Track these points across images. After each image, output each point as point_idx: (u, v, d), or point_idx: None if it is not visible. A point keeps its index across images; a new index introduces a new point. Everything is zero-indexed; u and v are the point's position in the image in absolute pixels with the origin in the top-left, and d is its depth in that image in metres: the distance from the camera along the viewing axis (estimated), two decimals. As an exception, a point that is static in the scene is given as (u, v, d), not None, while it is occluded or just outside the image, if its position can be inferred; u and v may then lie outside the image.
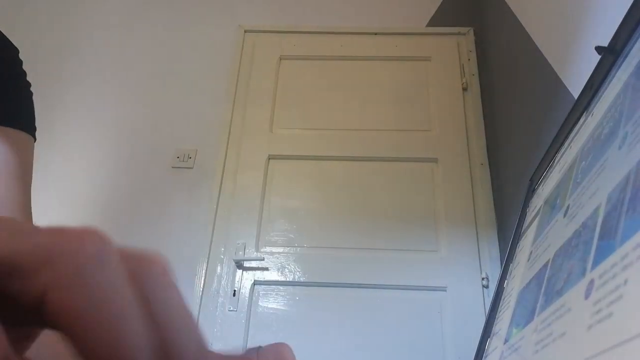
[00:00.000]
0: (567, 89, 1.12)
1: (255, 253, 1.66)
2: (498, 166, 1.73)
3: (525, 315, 0.46)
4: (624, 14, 0.40)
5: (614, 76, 0.41)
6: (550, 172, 0.59)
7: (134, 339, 0.12)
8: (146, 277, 0.14)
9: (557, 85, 1.19)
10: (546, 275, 0.44)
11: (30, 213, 0.53)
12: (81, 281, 0.12)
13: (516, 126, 1.56)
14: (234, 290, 1.60)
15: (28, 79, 0.57)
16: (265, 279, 1.62)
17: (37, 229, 0.13)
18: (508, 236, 1.23)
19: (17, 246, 0.12)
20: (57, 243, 0.13)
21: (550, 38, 1.29)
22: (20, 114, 0.53)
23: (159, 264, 0.14)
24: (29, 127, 0.54)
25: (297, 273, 1.63)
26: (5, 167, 0.48)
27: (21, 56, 0.57)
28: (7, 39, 0.55)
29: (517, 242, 0.65)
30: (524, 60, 1.50)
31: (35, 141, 0.56)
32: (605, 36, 0.43)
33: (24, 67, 0.57)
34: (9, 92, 0.52)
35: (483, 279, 1.57)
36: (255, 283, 1.62)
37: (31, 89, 0.58)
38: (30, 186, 0.54)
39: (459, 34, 2.03)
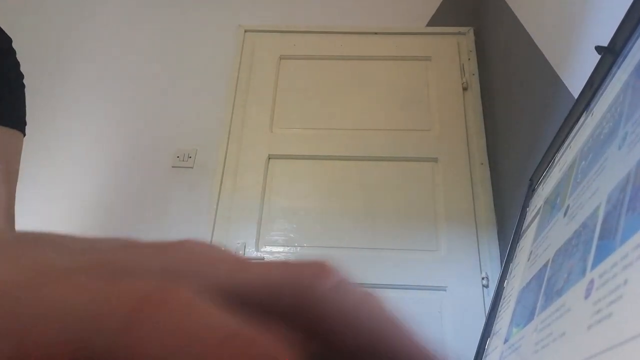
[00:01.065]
0: (567, 89, 1.12)
1: (255, 253, 1.66)
2: (498, 166, 1.73)
3: (525, 315, 0.46)
4: (624, 14, 0.40)
5: (614, 76, 0.41)
6: (551, 172, 0.59)
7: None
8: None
9: (557, 85, 1.19)
10: (546, 275, 0.44)
11: (13, 215, 0.53)
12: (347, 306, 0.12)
13: (516, 126, 1.56)
14: (234, 290, 1.60)
15: (25, 74, 0.57)
16: (265, 279, 1.62)
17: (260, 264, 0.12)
18: (508, 236, 1.23)
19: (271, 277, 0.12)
20: (300, 276, 0.12)
21: (550, 38, 1.29)
22: (4, 109, 0.52)
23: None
24: (15, 122, 0.53)
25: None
26: None
27: (21, 56, 0.57)
28: (0, 28, 0.55)
29: (517, 242, 0.65)
30: (524, 60, 1.50)
31: (24, 136, 0.55)
32: (605, 36, 0.43)
33: (20, 58, 0.56)
34: None
35: (483, 278, 1.57)
36: (255, 283, 1.62)
37: (26, 82, 0.57)
38: (14, 184, 0.53)
39: (459, 33, 2.03)
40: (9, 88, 0.53)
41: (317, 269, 0.12)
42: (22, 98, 0.55)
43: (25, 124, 0.55)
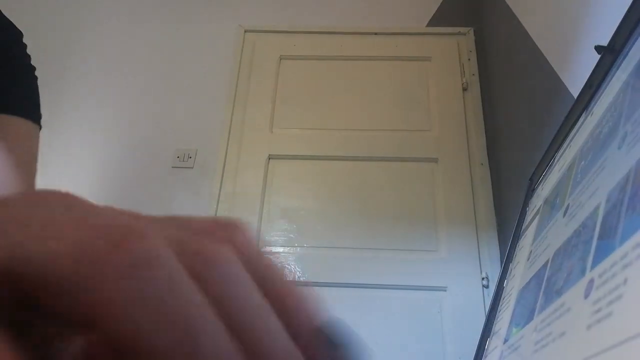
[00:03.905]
0: (567, 89, 1.12)
1: (255, 253, 1.65)
2: (498, 166, 1.73)
3: (525, 315, 0.46)
4: (624, 13, 0.40)
5: (613, 75, 0.41)
6: (550, 172, 0.59)
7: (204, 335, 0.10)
8: (210, 277, 0.12)
9: (557, 85, 1.19)
10: (546, 275, 0.44)
11: None
12: (129, 294, 0.10)
13: (516, 126, 1.56)
14: (234, 290, 1.60)
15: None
16: (265, 279, 1.62)
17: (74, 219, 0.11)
18: (508, 236, 1.23)
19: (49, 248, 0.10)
20: (88, 250, 0.10)
21: (550, 38, 1.29)
22: (24, 101, 0.51)
23: (220, 253, 0.12)
24: (33, 115, 0.53)
25: (297, 273, 1.63)
26: (7, 158, 0.47)
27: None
28: (11, 22, 0.54)
29: (517, 242, 0.65)
30: (524, 60, 1.50)
31: (40, 129, 0.55)
32: (605, 36, 0.43)
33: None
34: (11, 78, 0.50)
35: (483, 278, 1.57)
36: (255, 283, 1.62)
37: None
38: (34, 176, 0.52)
39: (459, 34, 2.03)
40: (21, 78, 0.52)
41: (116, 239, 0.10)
42: (36, 89, 0.55)
43: (40, 116, 0.54)
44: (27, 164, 0.51)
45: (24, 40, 0.56)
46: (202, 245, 0.12)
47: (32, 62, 0.56)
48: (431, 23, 2.09)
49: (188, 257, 0.12)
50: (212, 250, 0.12)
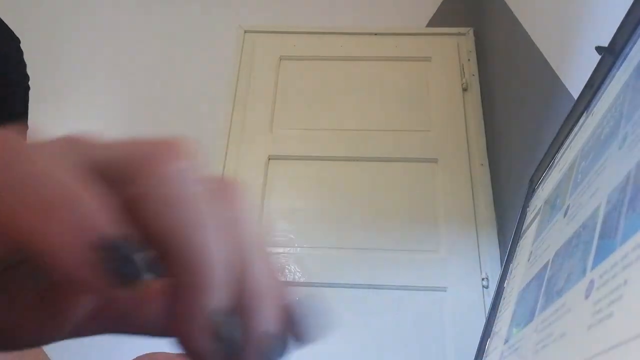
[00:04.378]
0: (567, 90, 1.12)
1: (255, 253, 1.65)
2: (498, 166, 1.73)
3: (525, 316, 0.46)
4: (624, 14, 0.40)
5: (613, 76, 0.41)
6: (550, 172, 0.59)
7: (213, 251, 0.12)
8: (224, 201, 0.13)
9: (556, 85, 1.19)
10: (546, 276, 0.44)
11: None
12: (168, 193, 0.12)
13: (516, 127, 1.56)
14: (234, 291, 1.60)
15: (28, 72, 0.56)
16: (266, 279, 1.62)
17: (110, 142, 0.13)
18: (508, 236, 1.23)
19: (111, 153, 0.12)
20: (137, 154, 0.12)
21: (550, 38, 1.29)
22: (6, 112, 0.51)
23: (234, 188, 0.14)
24: (17, 124, 0.53)
25: (297, 273, 1.63)
26: None
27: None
28: (9, 28, 0.54)
29: (517, 242, 0.65)
30: (524, 60, 1.50)
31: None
32: (605, 36, 0.43)
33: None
34: (2, 91, 0.50)
35: (483, 279, 1.57)
36: (256, 283, 1.62)
37: (30, 83, 0.56)
38: None
39: (459, 34, 2.03)
40: (12, 89, 0.53)
41: (162, 149, 0.12)
42: (25, 101, 0.55)
43: (27, 128, 0.55)
44: None
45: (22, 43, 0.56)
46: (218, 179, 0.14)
47: (29, 64, 0.56)
48: (431, 23, 2.09)
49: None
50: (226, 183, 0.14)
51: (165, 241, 0.12)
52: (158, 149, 0.13)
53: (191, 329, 0.12)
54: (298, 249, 1.67)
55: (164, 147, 0.13)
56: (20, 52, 0.55)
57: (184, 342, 0.13)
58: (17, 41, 0.55)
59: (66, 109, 1.98)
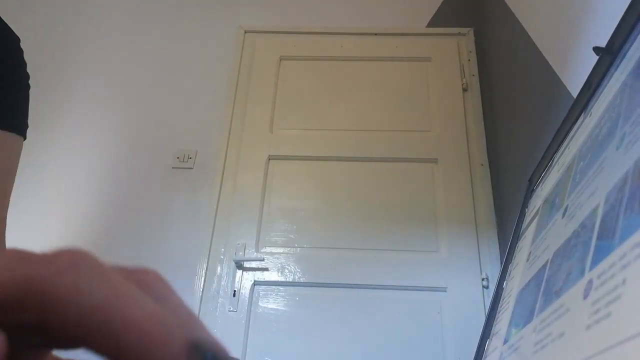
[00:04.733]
0: (567, 90, 1.12)
1: (255, 253, 1.66)
2: (498, 166, 1.73)
3: (524, 316, 0.46)
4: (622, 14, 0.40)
5: (611, 76, 0.41)
6: (549, 173, 0.59)
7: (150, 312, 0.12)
8: (143, 281, 0.14)
9: (556, 85, 1.19)
10: (545, 276, 0.44)
11: (4, 222, 0.52)
12: (67, 289, 0.11)
13: (516, 127, 1.56)
14: (234, 291, 1.60)
15: (29, 72, 0.56)
16: (265, 280, 1.62)
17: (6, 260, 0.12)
18: (508, 237, 1.23)
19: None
20: (31, 269, 0.12)
21: (550, 38, 1.29)
22: (3, 114, 0.51)
23: (152, 272, 0.14)
24: (15, 125, 0.52)
25: (297, 273, 1.63)
26: None
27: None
28: (8, 28, 0.54)
29: (516, 243, 0.65)
30: (524, 60, 1.50)
31: (24, 139, 0.54)
32: (605, 37, 0.43)
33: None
34: None
35: (483, 279, 1.57)
36: (255, 283, 1.62)
37: (30, 82, 0.56)
38: (8, 190, 0.52)
39: (459, 34, 2.03)
40: (11, 89, 0.52)
41: (49, 256, 0.12)
42: (25, 100, 0.55)
43: (26, 126, 0.54)
44: (4, 177, 0.51)
45: (22, 42, 0.55)
46: (132, 268, 0.14)
47: (30, 64, 0.56)
48: (431, 23, 2.09)
49: (122, 272, 0.14)
50: (142, 270, 0.14)
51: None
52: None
53: None
54: (298, 249, 1.67)
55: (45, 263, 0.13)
56: (20, 51, 0.55)
57: None
58: (17, 40, 0.55)
59: (66, 109, 1.98)
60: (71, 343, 0.13)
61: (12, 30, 0.54)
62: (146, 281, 0.14)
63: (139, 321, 0.12)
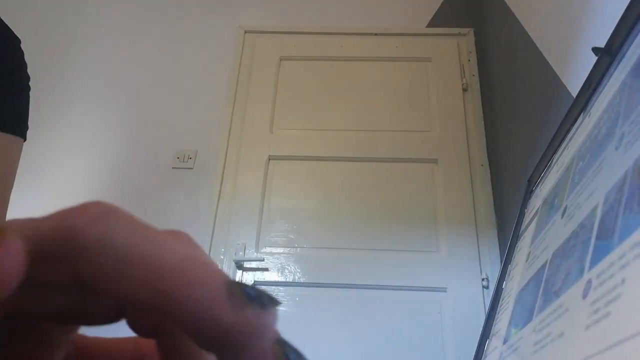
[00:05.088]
0: (567, 90, 1.12)
1: (255, 254, 1.66)
2: (498, 167, 1.73)
3: (523, 316, 0.47)
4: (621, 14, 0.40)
5: (611, 77, 0.41)
6: (548, 173, 0.59)
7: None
8: (174, 234, 0.13)
9: (556, 85, 1.19)
10: (544, 276, 0.44)
11: (3, 219, 0.52)
12: (100, 237, 0.11)
13: (516, 127, 1.56)
14: (234, 291, 1.60)
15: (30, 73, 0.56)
16: (266, 280, 1.62)
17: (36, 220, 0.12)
18: (508, 237, 1.23)
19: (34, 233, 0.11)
20: (61, 223, 0.12)
21: (550, 38, 1.29)
22: (3, 115, 0.51)
23: (183, 232, 0.14)
24: (15, 127, 0.52)
25: (297, 274, 1.63)
26: None
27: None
28: (9, 29, 0.54)
29: (516, 243, 0.65)
30: (524, 60, 1.50)
31: (25, 140, 0.54)
32: (605, 37, 0.43)
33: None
34: None
35: (483, 279, 1.57)
36: (256, 284, 1.62)
37: (30, 83, 0.56)
38: (7, 192, 0.52)
39: (459, 34, 2.03)
40: (12, 91, 0.52)
41: (79, 207, 0.12)
42: (26, 101, 0.55)
43: (26, 128, 0.54)
44: (2, 180, 0.51)
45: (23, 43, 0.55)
46: None
47: (33, 64, 0.56)
48: (431, 24, 2.09)
49: None
50: None
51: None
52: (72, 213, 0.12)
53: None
54: (298, 249, 1.67)
55: (78, 210, 0.13)
56: (21, 52, 0.55)
57: None
58: (17, 41, 0.55)
59: (67, 109, 1.98)
60: (106, 301, 0.13)
61: (12, 32, 0.54)
62: (177, 234, 0.13)
63: (176, 263, 0.11)
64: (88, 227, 0.11)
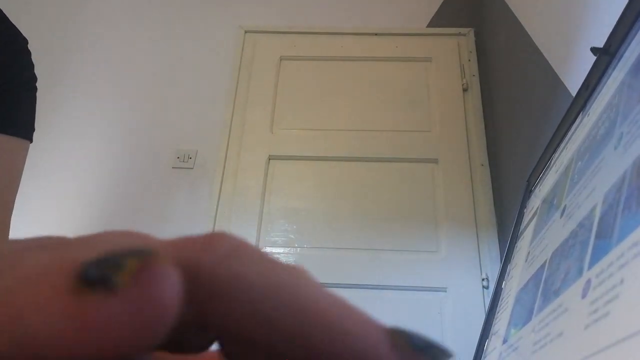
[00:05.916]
0: (567, 90, 1.12)
1: (255, 254, 1.65)
2: (498, 167, 1.73)
3: (523, 316, 0.47)
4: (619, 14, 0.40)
5: (609, 76, 0.42)
6: (547, 173, 0.59)
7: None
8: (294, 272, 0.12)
9: (557, 86, 1.19)
10: (544, 276, 0.44)
11: (8, 224, 0.52)
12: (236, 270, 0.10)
13: (517, 127, 1.56)
14: (234, 291, 1.60)
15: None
16: (266, 280, 1.62)
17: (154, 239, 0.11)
18: (508, 237, 1.23)
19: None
20: (189, 246, 0.10)
21: (550, 38, 1.29)
22: (9, 118, 0.51)
23: (299, 267, 0.12)
24: (20, 130, 0.52)
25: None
26: None
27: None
28: (16, 29, 0.54)
29: (515, 243, 0.65)
30: (524, 60, 1.50)
31: (31, 142, 0.54)
32: (605, 37, 0.43)
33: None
34: (1, 95, 0.50)
35: (483, 279, 1.57)
36: (256, 284, 1.63)
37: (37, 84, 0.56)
38: (12, 195, 0.52)
39: (459, 34, 2.03)
40: (18, 92, 0.52)
41: (205, 240, 0.10)
42: (32, 103, 0.54)
43: (32, 130, 0.54)
44: (7, 184, 0.51)
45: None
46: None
47: (36, 62, 0.56)
48: (431, 23, 2.09)
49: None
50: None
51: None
52: (195, 243, 0.11)
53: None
54: (298, 249, 1.67)
55: (202, 239, 0.11)
56: (28, 53, 0.55)
57: None
58: (24, 42, 0.55)
59: (66, 109, 1.98)
60: (212, 336, 0.11)
61: (20, 33, 0.54)
62: (299, 272, 0.11)
63: (324, 308, 0.10)
64: (219, 266, 0.10)
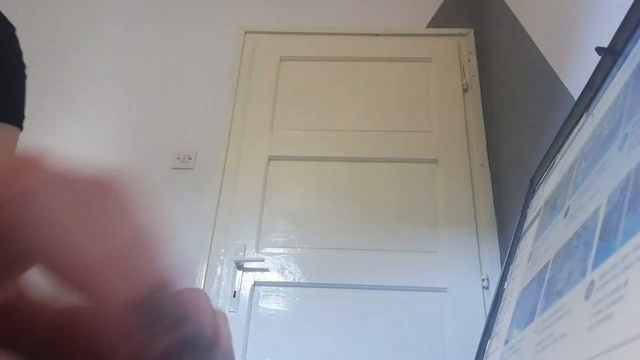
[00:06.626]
0: (567, 90, 1.12)
1: (255, 254, 1.65)
2: (498, 167, 1.73)
3: (525, 316, 0.46)
4: (624, 15, 0.40)
5: (614, 77, 0.41)
6: (551, 173, 0.59)
7: (93, 249, 0.11)
8: (96, 204, 0.13)
9: (557, 85, 1.19)
10: (547, 276, 0.44)
11: None
12: (19, 214, 0.11)
13: (516, 127, 1.56)
14: (234, 291, 1.60)
15: (26, 63, 0.55)
16: (266, 280, 1.62)
17: None
18: (508, 237, 1.23)
19: None
20: None
21: (550, 38, 1.29)
22: (9, 101, 0.50)
23: (110, 189, 0.14)
24: (10, 116, 0.51)
25: (298, 274, 1.63)
26: None
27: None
28: (3, 16, 0.53)
29: (518, 243, 0.65)
30: (524, 60, 1.50)
31: (21, 130, 0.53)
32: (605, 37, 0.43)
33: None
34: None
35: (483, 280, 1.57)
36: (256, 284, 1.62)
37: (29, 82, 0.55)
38: None
39: (459, 35, 2.03)
40: (7, 80, 0.51)
41: (12, 176, 0.11)
42: (21, 90, 0.53)
43: (22, 117, 0.53)
44: None
45: (18, 32, 0.54)
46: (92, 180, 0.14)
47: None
48: (431, 24, 2.09)
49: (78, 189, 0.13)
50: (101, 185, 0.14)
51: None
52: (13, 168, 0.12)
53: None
54: (298, 249, 1.67)
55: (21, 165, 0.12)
56: (16, 40, 0.54)
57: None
58: (12, 28, 0.54)
59: (66, 109, 1.98)
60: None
61: (7, 19, 0.53)
62: (97, 201, 0.13)
63: (85, 268, 0.11)
64: (17, 202, 0.11)
